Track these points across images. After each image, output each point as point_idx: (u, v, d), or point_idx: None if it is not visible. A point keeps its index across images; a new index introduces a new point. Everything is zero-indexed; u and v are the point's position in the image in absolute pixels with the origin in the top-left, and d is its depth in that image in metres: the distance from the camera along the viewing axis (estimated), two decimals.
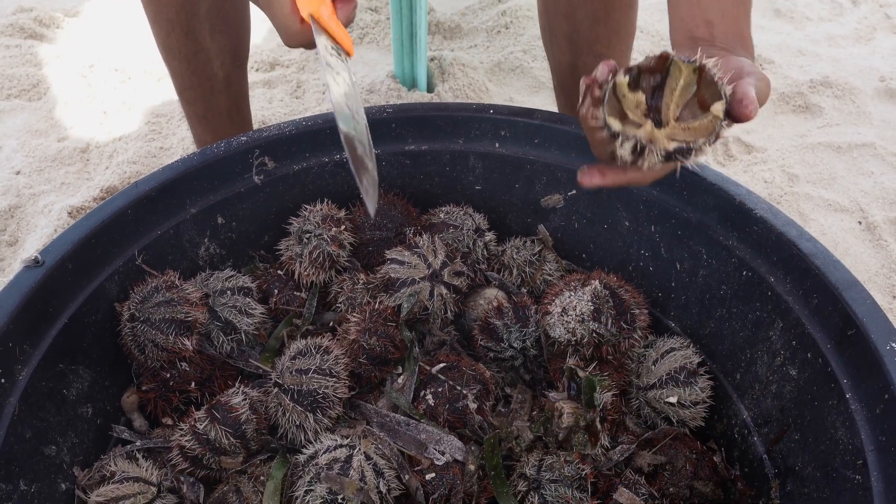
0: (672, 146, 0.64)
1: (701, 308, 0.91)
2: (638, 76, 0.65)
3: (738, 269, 0.85)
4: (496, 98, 1.75)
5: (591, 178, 0.71)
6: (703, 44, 0.76)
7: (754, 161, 1.56)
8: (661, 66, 0.66)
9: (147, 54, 1.85)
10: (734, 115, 0.63)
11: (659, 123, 0.65)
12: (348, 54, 0.82)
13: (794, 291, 0.79)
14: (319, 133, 0.97)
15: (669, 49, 0.69)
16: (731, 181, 0.87)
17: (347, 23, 0.81)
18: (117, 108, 1.69)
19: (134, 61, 1.81)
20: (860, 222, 1.43)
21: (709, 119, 0.64)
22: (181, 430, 0.78)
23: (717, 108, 0.63)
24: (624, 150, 0.64)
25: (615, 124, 0.64)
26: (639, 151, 0.64)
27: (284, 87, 1.77)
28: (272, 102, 1.71)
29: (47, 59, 1.85)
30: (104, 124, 1.65)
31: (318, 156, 0.98)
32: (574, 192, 0.99)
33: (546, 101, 1.75)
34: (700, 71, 0.65)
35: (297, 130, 0.96)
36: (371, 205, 0.76)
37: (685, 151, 0.63)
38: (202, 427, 0.77)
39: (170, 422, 0.85)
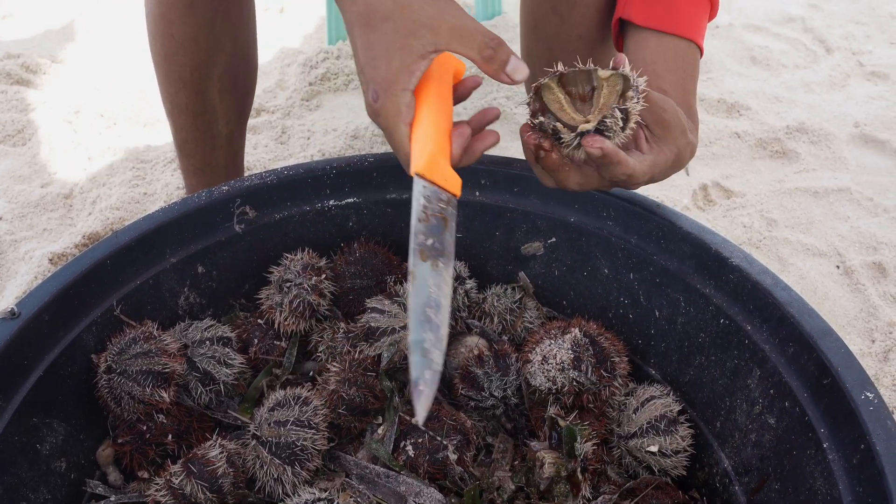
0: (592, 126, 0.70)
1: (680, 355, 0.91)
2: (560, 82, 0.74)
3: (716, 316, 0.85)
4: None
5: (545, 181, 0.77)
6: None
7: (733, 206, 1.58)
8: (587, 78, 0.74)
9: (132, 100, 1.86)
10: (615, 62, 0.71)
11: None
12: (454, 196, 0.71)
13: (770, 340, 0.79)
14: (301, 182, 0.98)
15: None
16: (707, 229, 0.88)
17: (463, 158, 0.72)
18: (102, 154, 1.70)
19: (119, 107, 1.83)
20: (838, 266, 1.45)
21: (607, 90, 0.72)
22: (156, 484, 0.77)
23: (603, 73, 0.72)
24: (569, 145, 0.72)
25: (538, 118, 0.72)
26: (556, 134, 0.71)
27: (269, 132, 1.79)
28: (257, 148, 1.72)
29: (33, 104, 1.86)
30: (88, 170, 1.66)
31: (299, 204, 0.99)
32: (554, 239, 1.00)
33: None
34: (621, 76, 0.72)
35: (278, 179, 0.97)
36: (421, 412, 0.60)
37: (606, 120, 0.70)
38: (178, 481, 0.76)
39: (146, 475, 0.84)
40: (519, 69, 0.71)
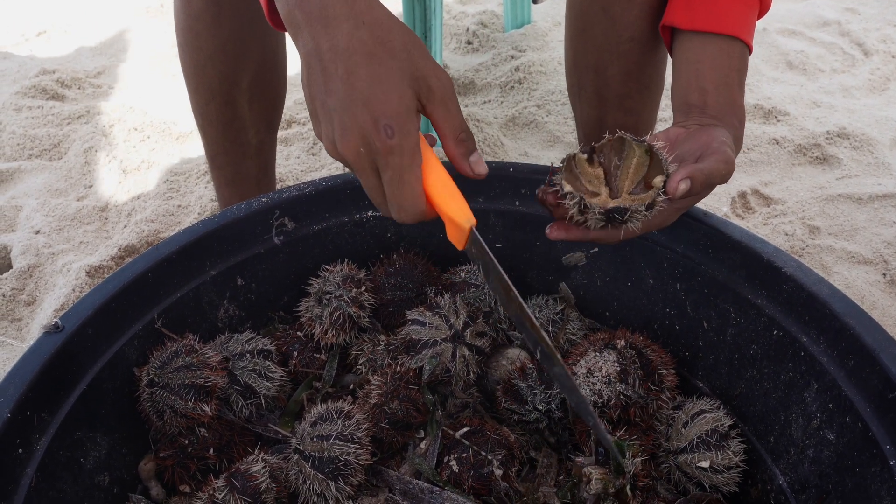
0: (610, 205, 0.73)
1: (730, 368, 0.89)
2: (592, 153, 0.76)
3: (769, 328, 0.83)
4: (511, 152, 1.76)
5: (555, 233, 0.77)
6: (696, 110, 0.84)
7: (773, 213, 1.54)
8: (619, 146, 0.76)
9: (165, 114, 1.88)
10: (666, 189, 0.71)
11: (617, 194, 0.76)
12: None
13: (828, 352, 0.77)
14: (339, 193, 0.97)
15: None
16: (757, 238, 0.85)
17: None
18: (136, 167, 1.71)
19: (152, 121, 1.84)
20: (884, 274, 1.41)
21: (652, 191, 0.73)
22: (199, 499, 0.76)
23: (658, 180, 0.73)
24: (572, 208, 0.73)
25: (566, 186, 0.73)
26: (582, 209, 0.73)
27: (301, 144, 1.79)
28: (289, 160, 1.72)
29: (68, 119, 1.88)
30: (123, 183, 1.67)
31: (337, 216, 0.98)
32: (596, 249, 0.98)
33: (561, 154, 1.75)
34: (650, 150, 0.74)
35: (316, 191, 0.96)
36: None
37: (622, 212, 0.72)
38: (221, 496, 0.75)
39: (187, 490, 0.83)
40: (481, 164, 0.73)
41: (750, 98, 1.90)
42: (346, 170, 1.68)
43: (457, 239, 0.72)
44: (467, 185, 0.99)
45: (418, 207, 0.67)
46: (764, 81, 1.99)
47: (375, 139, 0.63)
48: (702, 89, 0.83)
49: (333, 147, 0.67)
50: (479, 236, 0.71)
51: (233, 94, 1.14)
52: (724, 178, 0.75)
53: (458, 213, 0.69)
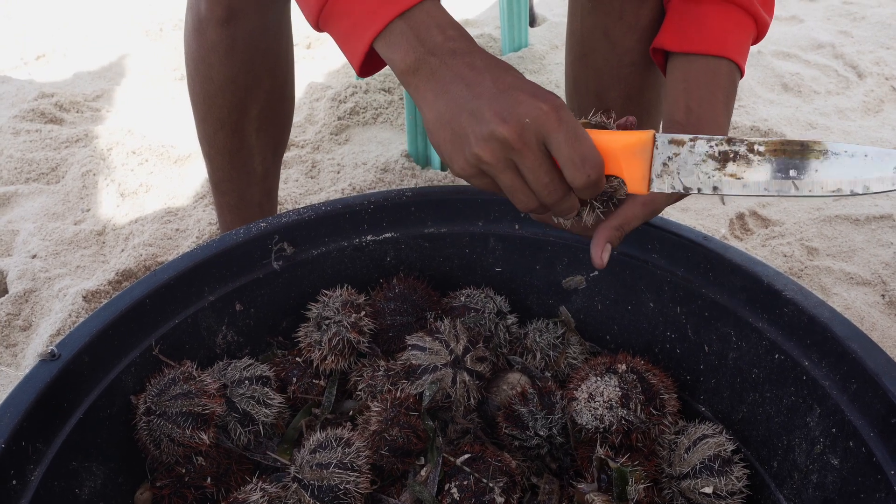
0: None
1: (732, 392, 0.88)
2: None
3: (770, 351, 0.82)
4: None
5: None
6: (678, 127, 0.82)
7: (772, 235, 1.55)
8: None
9: (164, 137, 1.88)
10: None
11: None
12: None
13: (830, 376, 0.76)
14: (338, 218, 0.97)
15: None
16: (757, 262, 0.85)
17: None
18: (134, 191, 1.71)
19: (151, 144, 1.84)
20: (883, 295, 1.41)
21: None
22: None
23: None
24: None
25: None
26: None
27: (299, 167, 1.79)
28: (287, 183, 1.72)
29: (66, 143, 1.88)
30: (121, 207, 1.67)
31: (336, 240, 0.98)
32: (596, 272, 0.98)
33: None
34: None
35: (316, 215, 0.96)
36: None
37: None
38: None
39: None
40: None
41: (746, 120, 1.91)
42: (347, 193, 1.68)
43: (640, 176, 0.68)
44: (467, 208, 0.99)
45: (599, 156, 0.66)
46: (760, 103, 2.00)
47: (543, 103, 0.64)
48: (686, 108, 0.83)
49: (483, 142, 0.66)
50: (663, 136, 0.67)
51: (241, 124, 1.14)
52: (646, 218, 0.75)
53: (633, 133, 0.67)
